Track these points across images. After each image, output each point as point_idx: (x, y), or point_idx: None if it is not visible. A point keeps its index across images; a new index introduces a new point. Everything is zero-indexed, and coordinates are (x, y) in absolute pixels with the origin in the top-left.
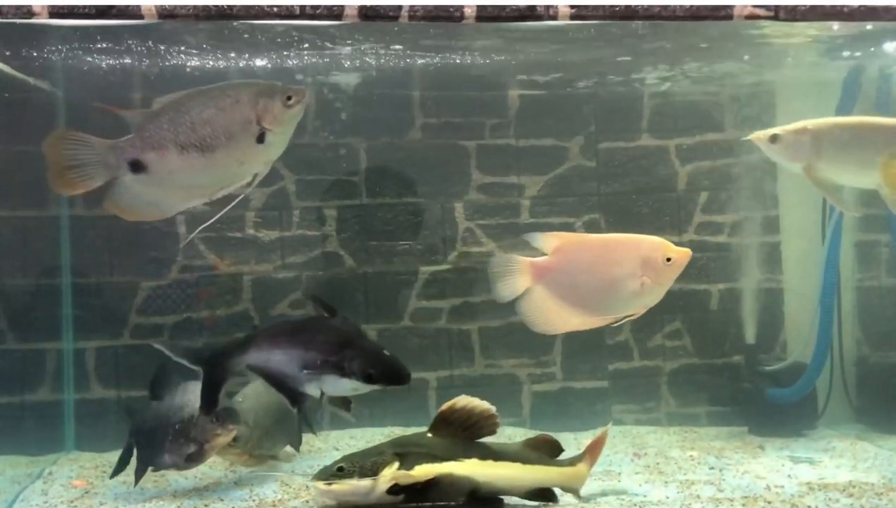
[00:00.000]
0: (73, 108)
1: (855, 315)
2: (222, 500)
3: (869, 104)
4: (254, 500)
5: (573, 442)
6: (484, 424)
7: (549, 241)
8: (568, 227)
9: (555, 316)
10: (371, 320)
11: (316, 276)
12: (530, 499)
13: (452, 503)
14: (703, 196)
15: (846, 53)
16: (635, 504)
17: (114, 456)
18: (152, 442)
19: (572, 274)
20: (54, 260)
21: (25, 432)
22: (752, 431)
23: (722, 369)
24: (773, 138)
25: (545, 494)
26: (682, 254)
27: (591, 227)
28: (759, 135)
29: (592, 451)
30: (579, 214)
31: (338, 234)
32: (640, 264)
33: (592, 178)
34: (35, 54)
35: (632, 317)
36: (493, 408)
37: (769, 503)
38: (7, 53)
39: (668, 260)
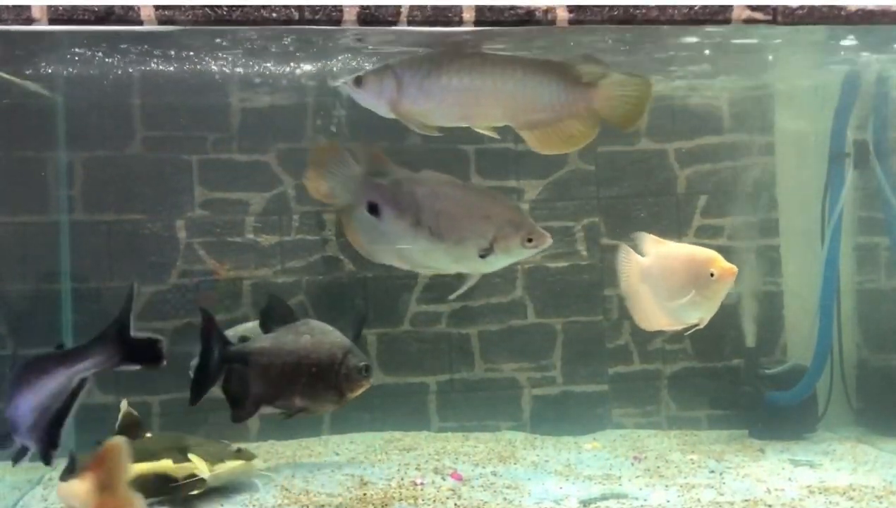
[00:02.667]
0: (72, 114)
1: (855, 318)
2: (222, 505)
3: (867, 106)
4: (254, 505)
5: (573, 446)
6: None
7: (649, 245)
8: (567, 231)
9: (651, 313)
10: (371, 324)
11: (316, 281)
12: None
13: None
14: (702, 199)
15: (844, 55)
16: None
17: None
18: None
19: (659, 279)
20: (54, 265)
21: None
22: (753, 434)
23: (722, 372)
24: (358, 81)
25: None
26: (725, 271)
27: (590, 231)
28: (347, 81)
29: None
30: (579, 218)
31: (337, 239)
32: (692, 278)
33: (592, 182)
34: (35, 59)
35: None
36: None
37: (770, 506)
38: (7, 58)
39: (712, 275)
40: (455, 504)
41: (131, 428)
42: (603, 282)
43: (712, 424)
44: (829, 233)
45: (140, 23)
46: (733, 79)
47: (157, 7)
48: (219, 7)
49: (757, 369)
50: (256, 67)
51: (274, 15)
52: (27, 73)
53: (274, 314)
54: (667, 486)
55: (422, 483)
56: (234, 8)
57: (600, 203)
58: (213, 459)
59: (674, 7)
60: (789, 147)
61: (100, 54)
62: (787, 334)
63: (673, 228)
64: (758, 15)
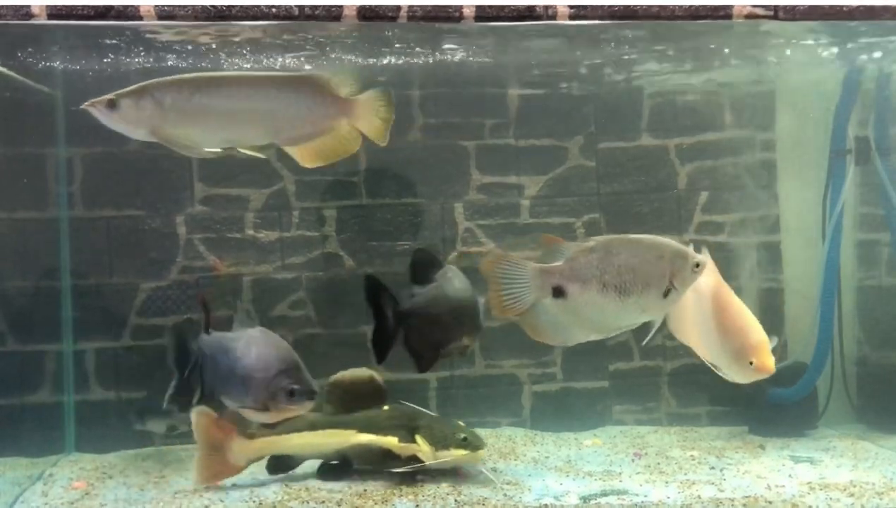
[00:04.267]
0: (71, 110)
1: (855, 315)
2: (223, 501)
3: (869, 103)
4: (254, 501)
5: (574, 443)
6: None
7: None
8: (567, 228)
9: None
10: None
11: (316, 277)
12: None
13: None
14: (703, 195)
15: (843, 51)
16: (636, 505)
17: (114, 458)
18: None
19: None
20: (54, 261)
21: (25, 434)
22: (753, 431)
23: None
24: (111, 104)
25: None
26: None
27: (591, 228)
28: (96, 103)
29: None
30: (579, 214)
31: (337, 235)
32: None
33: (592, 178)
34: (34, 55)
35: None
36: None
37: (770, 503)
38: (6, 55)
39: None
40: (455, 501)
41: (371, 397)
42: None
43: (713, 421)
44: (829, 230)
45: (139, 18)
46: (735, 74)
47: (156, 6)
48: (216, 6)
49: None
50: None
51: (274, 10)
52: (26, 68)
53: (423, 267)
54: (667, 483)
55: (422, 480)
56: (232, 6)
57: (601, 199)
58: (438, 444)
59: (675, 4)
60: (790, 143)
61: (100, 49)
62: (788, 331)
63: (673, 225)
64: (759, 11)
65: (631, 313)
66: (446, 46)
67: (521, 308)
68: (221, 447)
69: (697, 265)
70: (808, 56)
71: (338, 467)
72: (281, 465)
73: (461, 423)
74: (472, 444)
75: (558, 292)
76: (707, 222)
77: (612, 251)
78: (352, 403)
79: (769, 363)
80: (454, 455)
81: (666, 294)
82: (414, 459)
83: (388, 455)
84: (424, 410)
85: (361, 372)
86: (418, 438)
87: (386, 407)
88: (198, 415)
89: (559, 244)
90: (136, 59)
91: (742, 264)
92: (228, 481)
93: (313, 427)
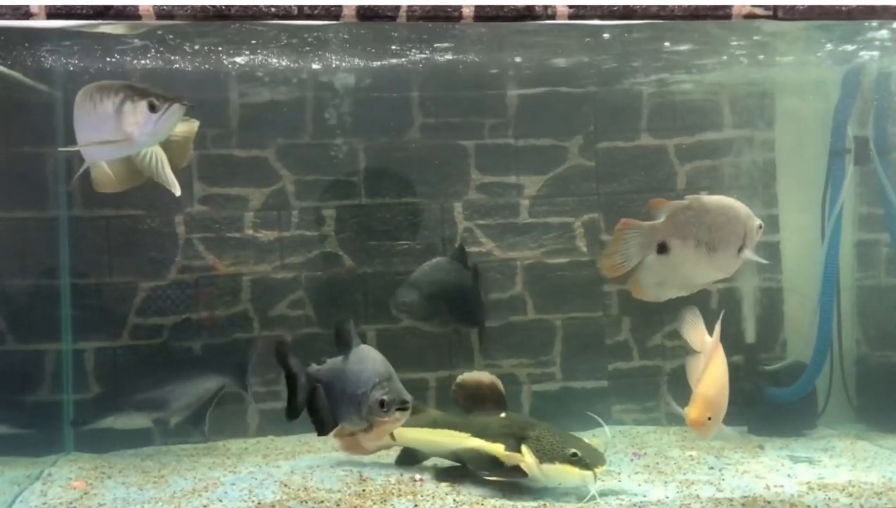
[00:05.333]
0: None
1: (854, 314)
2: (221, 501)
3: (867, 103)
4: (253, 500)
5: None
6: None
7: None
8: (566, 227)
9: None
10: (370, 321)
11: (315, 277)
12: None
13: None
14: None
15: (844, 50)
16: (635, 504)
17: (113, 457)
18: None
19: None
20: (53, 260)
21: (24, 433)
22: (752, 431)
23: None
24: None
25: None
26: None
27: (590, 227)
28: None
29: None
30: (578, 214)
31: (337, 235)
32: None
33: (591, 178)
34: (34, 54)
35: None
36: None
37: (769, 503)
38: (5, 54)
39: None
40: (454, 501)
41: (491, 402)
42: (602, 279)
43: None
44: (829, 230)
45: (138, 18)
46: (734, 74)
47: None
48: (215, 6)
49: (757, 365)
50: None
51: (273, 10)
52: (26, 67)
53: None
54: (666, 482)
55: (421, 480)
56: (230, 6)
57: (600, 199)
58: (544, 456)
59: (674, 4)
60: (789, 143)
61: (100, 48)
62: (787, 330)
63: None
64: (758, 10)
65: (713, 269)
66: (445, 45)
67: (629, 266)
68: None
69: (760, 226)
70: (808, 55)
71: (454, 468)
72: (408, 458)
73: (584, 439)
74: (581, 462)
75: (662, 248)
76: None
77: (702, 209)
78: (473, 406)
79: (695, 424)
80: (559, 470)
81: (739, 250)
82: (518, 470)
83: (494, 462)
84: (541, 423)
85: (483, 376)
86: (524, 448)
87: (503, 415)
88: None
89: (663, 205)
90: (142, 60)
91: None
92: (227, 480)
93: (435, 424)
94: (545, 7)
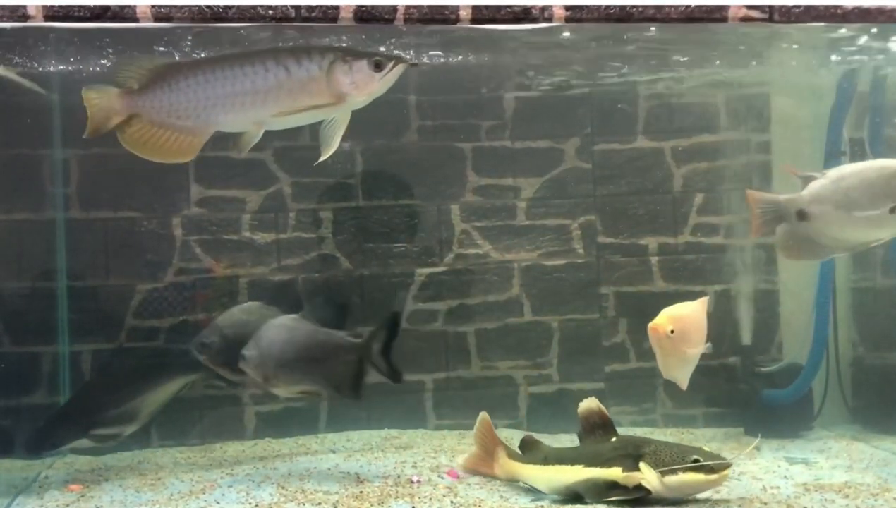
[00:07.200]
0: (67, 111)
1: (850, 316)
2: (218, 503)
3: (863, 106)
4: (250, 502)
5: (569, 444)
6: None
7: None
8: (563, 229)
9: None
10: (367, 323)
11: (312, 278)
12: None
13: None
14: (698, 197)
15: (838, 56)
16: (633, 505)
17: (110, 459)
18: None
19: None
20: (50, 263)
21: (21, 435)
22: (749, 432)
23: (718, 370)
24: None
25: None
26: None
27: (587, 229)
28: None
29: None
30: (575, 216)
31: (334, 237)
32: None
33: (588, 180)
34: (30, 56)
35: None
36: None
37: (765, 504)
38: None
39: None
40: (451, 502)
41: (600, 428)
42: (599, 280)
43: (708, 422)
44: None
45: (136, 20)
46: (730, 76)
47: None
48: (213, 7)
49: (753, 367)
50: None
51: (270, 12)
52: (23, 69)
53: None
54: None
55: (418, 481)
56: (229, 7)
57: (597, 201)
58: (666, 470)
59: (671, 5)
60: (786, 145)
61: (101, 49)
62: (783, 332)
63: (669, 226)
64: (754, 13)
65: (866, 229)
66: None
67: (770, 230)
68: (490, 452)
69: None
70: (804, 58)
71: (571, 502)
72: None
73: (704, 447)
74: (706, 467)
75: (802, 215)
76: (702, 224)
77: (842, 177)
78: (584, 435)
79: (653, 331)
80: (683, 480)
81: (893, 210)
82: (641, 488)
83: (614, 487)
84: (654, 439)
85: (590, 403)
86: (642, 465)
87: (613, 439)
88: (482, 420)
89: (797, 172)
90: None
91: (738, 265)
92: (224, 483)
93: (546, 461)
94: (542, 9)
